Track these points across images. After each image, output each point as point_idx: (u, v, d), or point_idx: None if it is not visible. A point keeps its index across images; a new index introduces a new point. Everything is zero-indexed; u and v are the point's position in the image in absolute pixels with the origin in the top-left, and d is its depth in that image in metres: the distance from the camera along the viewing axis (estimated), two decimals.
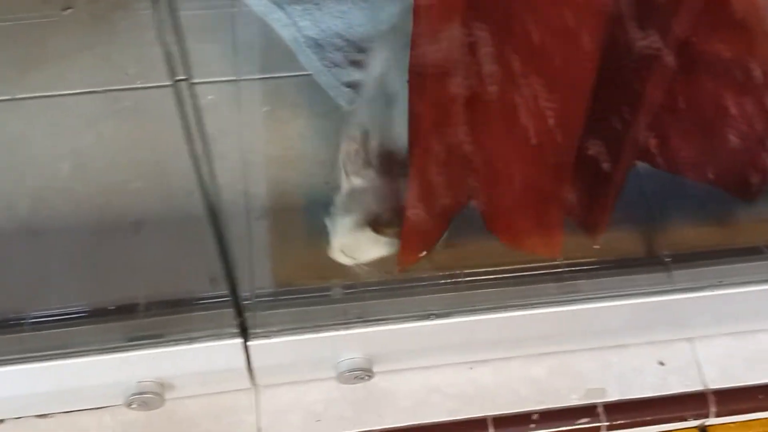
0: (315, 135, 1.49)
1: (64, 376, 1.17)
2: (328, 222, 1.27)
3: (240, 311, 1.13)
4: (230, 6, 1.65)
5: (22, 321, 1.25)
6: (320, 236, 1.28)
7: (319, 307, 1.18)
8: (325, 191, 1.38)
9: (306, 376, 1.29)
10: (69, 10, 1.60)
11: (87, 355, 1.15)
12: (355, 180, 1.26)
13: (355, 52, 1.55)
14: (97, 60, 1.56)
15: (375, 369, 1.25)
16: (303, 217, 1.42)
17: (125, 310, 1.19)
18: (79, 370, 1.15)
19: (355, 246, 1.23)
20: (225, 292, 1.18)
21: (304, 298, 1.19)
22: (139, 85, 1.54)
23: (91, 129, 1.47)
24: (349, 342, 1.18)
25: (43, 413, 1.28)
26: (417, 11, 0.87)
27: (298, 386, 1.30)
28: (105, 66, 1.55)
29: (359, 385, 1.30)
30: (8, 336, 1.23)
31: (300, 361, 1.22)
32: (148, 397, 1.19)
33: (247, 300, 1.15)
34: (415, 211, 1.12)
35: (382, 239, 1.22)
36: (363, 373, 1.22)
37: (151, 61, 1.56)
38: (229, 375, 1.22)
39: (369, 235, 1.22)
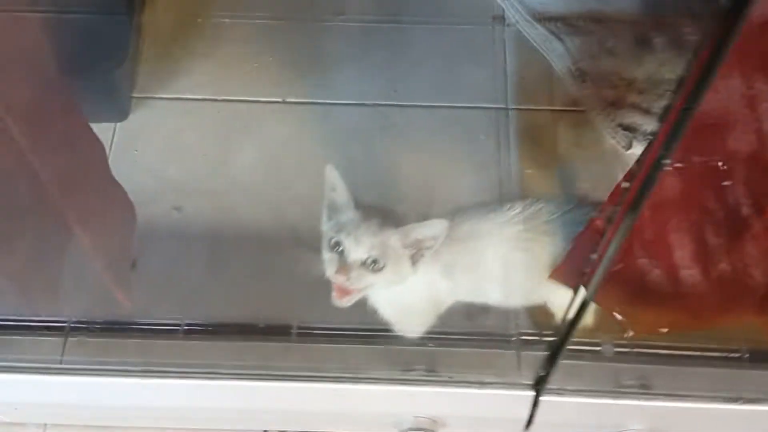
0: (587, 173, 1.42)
1: (347, 398, 1.14)
2: None
3: (549, 363, 1.07)
4: (493, 29, 1.59)
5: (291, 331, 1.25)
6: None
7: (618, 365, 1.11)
8: None
9: None
10: (342, 16, 1.58)
11: (371, 383, 1.12)
12: None
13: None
14: (365, 72, 1.53)
15: None
16: None
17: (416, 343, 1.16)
18: (363, 395, 1.13)
19: None
20: (537, 341, 1.13)
21: (607, 357, 1.13)
22: (408, 104, 1.50)
23: (358, 141, 1.44)
24: (642, 413, 1.11)
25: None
26: None
27: None
28: (374, 79, 1.52)
29: None
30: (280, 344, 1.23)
31: (581, 422, 1.16)
32: None
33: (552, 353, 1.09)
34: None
35: None
36: None
37: (421, 78, 1.52)
38: (505, 422, 1.17)
39: None
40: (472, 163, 1.42)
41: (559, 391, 1.09)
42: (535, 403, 1.11)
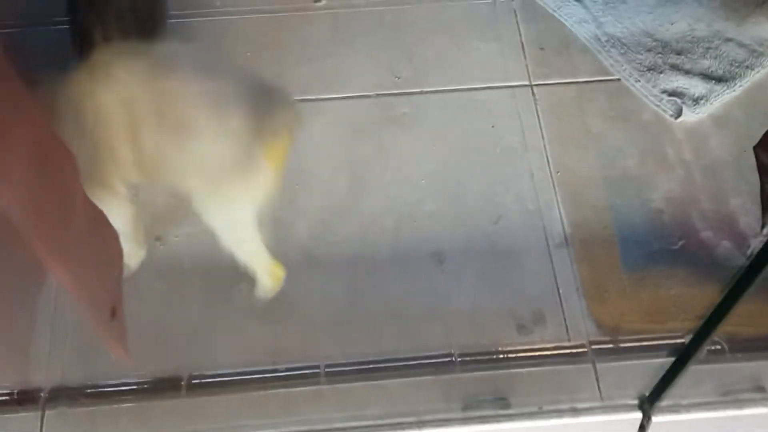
0: (634, 149, 1.23)
1: None
2: None
3: (672, 372, 0.86)
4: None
5: None
6: None
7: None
8: None
9: None
10: (322, 2, 1.37)
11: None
12: None
13: (672, 53, 1.28)
14: (361, 60, 1.31)
15: None
16: None
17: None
18: None
19: None
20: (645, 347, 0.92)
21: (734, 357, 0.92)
22: (416, 91, 1.29)
23: (367, 137, 1.22)
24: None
25: None
26: None
27: None
28: (372, 67, 1.30)
29: None
30: None
31: None
32: None
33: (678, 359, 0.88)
34: None
35: None
36: None
37: (425, 61, 1.31)
38: None
39: None
40: (500, 151, 1.21)
41: (674, 408, 0.88)
42: (642, 427, 0.89)
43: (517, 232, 1.15)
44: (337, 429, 0.99)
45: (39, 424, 0.96)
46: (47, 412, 0.98)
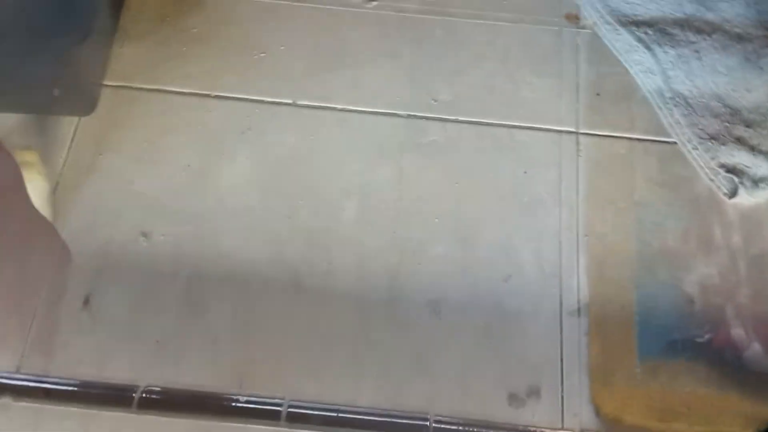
0: (677, 224, 1.11)
1: None
2: None
3: None
4: (563, 31, 1.26)
5: None
6: None
7: None
8: None
9: None
10: (374, 3, 1.26)
11: None
12: None
13: (740, 124, 1.15)
14: (398, 74, 1.21)
15: None
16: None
17: None
18: None
19: None
20: None
21: None
22: (451, 118, 1.18)
23: (387, 161, 1.13)
24: None
25: None
26: None
27: None
28: (408, 84, 1.20)
29: None
30: None
31: None
32: None
33: None
34: None
35: None
36: None
37: (469, 87, 1.20)
38: None
39: None
40: (528, 200, 1.11)
41: None
42: None
43: (528, 293, 1.05)
44: None
45: None
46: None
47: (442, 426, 0.97)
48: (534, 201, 1.12)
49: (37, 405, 0.95)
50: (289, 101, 1.17)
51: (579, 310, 1.05)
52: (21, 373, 0.96)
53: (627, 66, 1.20)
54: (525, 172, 1.13)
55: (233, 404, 0.96)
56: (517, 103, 1.19)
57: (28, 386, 0.95)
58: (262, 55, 1.21)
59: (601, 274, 1.08)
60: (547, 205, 1.11)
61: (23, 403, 0.95)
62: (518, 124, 1.17)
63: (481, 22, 1.25)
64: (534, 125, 1.17)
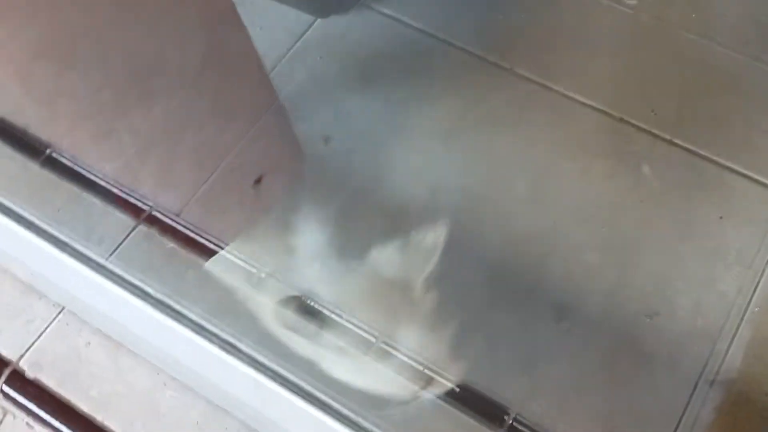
0: None
1: None
2: None
3: None
4: None
5: None
6: None
7: None
8: None
9: None
10: (634, 1, 1.20)
11: None
12: None
13: None
14: (627, 76, 1.14)
15: None
16: None
17: None
18: None
19: None
20: None
21: None
22: (665, 137, 1.10)
23: (578, 160, 1.07)
24: None
25: None
26: None
27: None
28: (635, 88, 1.13)
29: None
30: None
31: None
32: None
33: None
34: None
35: None
36: None
37: (701, 115, 1.11)
38: None
39: None
40: (711, 247, 1.01)
41: None
42: None
43: (670, 340, 0.97)
44: None
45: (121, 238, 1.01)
46: (138, 228, 1.02)
47: (519, 427, 0.93)
48: (718, 250, 1.01)
49: (179, 248, 1.03)
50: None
51: (717, 382, 0.94)
52: (181, 218, 1.04)
53: None
54: (720, 218, 1.03)
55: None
56: (744, 147, 1.08)
57: (181, 231, 1.03)
58: None
59: (759, 355, 0.96)
60: (730, 261, 1.01)
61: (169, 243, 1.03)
62: (734, 168, 1.06)
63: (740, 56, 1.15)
64: (751, 175, 1.06)
